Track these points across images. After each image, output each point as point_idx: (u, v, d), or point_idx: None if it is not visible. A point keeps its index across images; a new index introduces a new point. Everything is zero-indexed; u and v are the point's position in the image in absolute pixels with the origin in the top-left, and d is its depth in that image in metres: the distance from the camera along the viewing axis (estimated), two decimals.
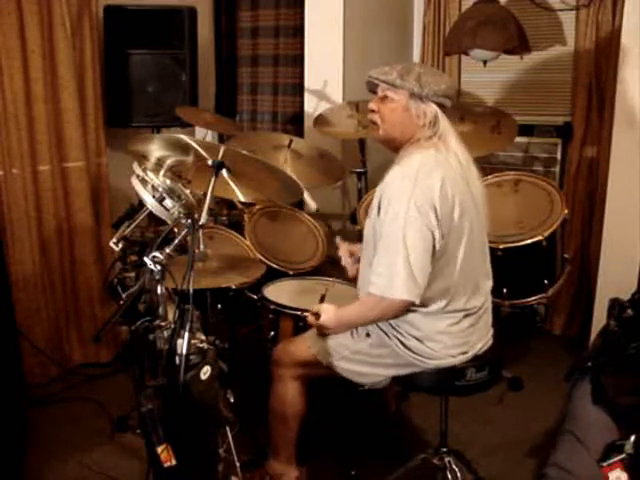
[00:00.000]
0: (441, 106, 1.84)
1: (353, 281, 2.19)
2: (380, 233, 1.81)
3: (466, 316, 1.89)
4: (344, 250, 2.26)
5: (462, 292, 1.87)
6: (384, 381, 2.00)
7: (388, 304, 1.79)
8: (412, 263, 1.73)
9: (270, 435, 2.19)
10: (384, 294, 1.77)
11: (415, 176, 1.76)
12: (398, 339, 1.89)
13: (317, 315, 2.00)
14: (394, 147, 1.92)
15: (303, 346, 2.07)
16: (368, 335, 1.97)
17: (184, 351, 1.53)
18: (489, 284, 2.00)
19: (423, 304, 1.84)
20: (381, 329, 1.93)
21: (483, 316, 1.95)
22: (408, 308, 1.82)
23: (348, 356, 1.99)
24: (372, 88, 1.93)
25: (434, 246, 1.77)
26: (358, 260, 2.17)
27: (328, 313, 1.97)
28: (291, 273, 2.80)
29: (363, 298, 1.91)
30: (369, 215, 1.92)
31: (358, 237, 3.09)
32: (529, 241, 2.59)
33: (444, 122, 1.85)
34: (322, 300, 2.26)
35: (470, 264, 1.87)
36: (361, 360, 1.98)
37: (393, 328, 1.90)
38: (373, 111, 1.91)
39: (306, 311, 2.23)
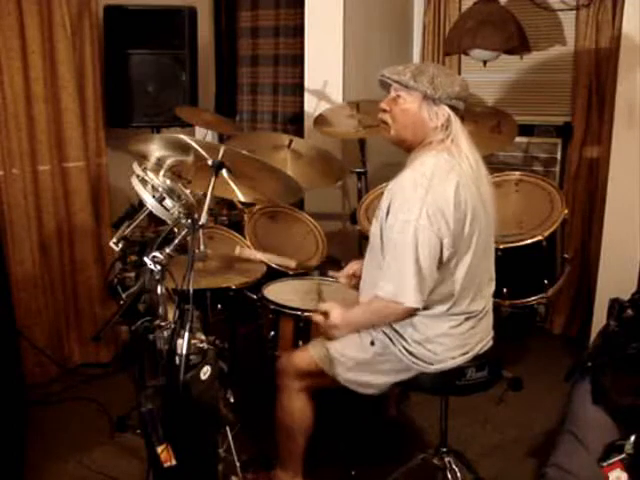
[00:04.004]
0: (454, 108, 1.83)
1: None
2: (388, 237, 1.80)
3: (467, 319, 1.89)
4: (345, 278, 2.25)
5: (466, 295, 1.87)
6: (385, 388, 2.00)
7: (394, 309, 1.79)
8: (422, 270, 1.73)
9: (278, 446, 2.17)
10: (393, 299, 1.77)
11: (429, 182, 1.74)
12: (402, 345, 1.89)
13: (325, 314, 1.99)
14: (405, 147, 1.90)
15: (306, 356, 2.05)
16: (372, 344, 1.95)
17: (184, 351, 1.52)
18: (492, 288, 2.00)
19: (427, 307, 1.84)
20: (387, 335, 1.92)
21: (484, 318, 1.95)
22: (411, 314, 1.82)
23: (352, 367, 1.97)
24: (385, 87, 1.91)
25: (442, 253, 1.76)
26: (356, 276, 2.18)
27: (336, 312, 1.97)
28: (291, 273, 2.80)
29: (369, 301, 1.90)
30: (376, 216, 1.91)
31: (358, 237, 3.10)
32: (529, 241, 2.59)
33: (456, 125, 1.84)
34: (319, 298, 2.26)
35: (476, 268, 1.86)
36: (364, 369, 1.97)
37: (397, 333, 1.89)
38: (385, 110, 1.88)
39: (306, 311, 2.24)
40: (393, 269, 1.77)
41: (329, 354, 2.00)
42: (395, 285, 1.76)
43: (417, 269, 1.72)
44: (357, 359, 1.97)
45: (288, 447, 2.14)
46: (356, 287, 2.14)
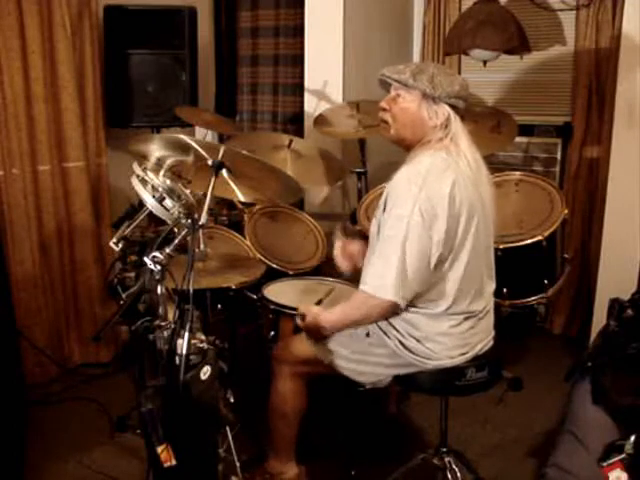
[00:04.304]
0: (454, 107, 1.83)
1: (353, 280, 2.19)
2: (382, 233, 1.80)
3: (467, 319, 1.88)
4: (339, 244, 2.23)
5: (465, 295, 1.86)
6: (384, 380, 2.00)
7: (375, 304, 1.78)
8: (407, 266, 1.73)
9: (270, 433, 2.20)
10: (373, 293, 1.77)
11: (423, 180, 1.74)
12: (398, 339, 1.89)
13: (304, 316, 2.01)
14: (405, 146, 1.90)
15: (304, 344, 2.07)
16: (368, 335, 1.97)
17: (184, 351, 1.53)
18: (492, 288, 1.99)
19: (425, 306, 1.84)
20: (381, 329, 1.92)
21: (484, 318, 1.94)
22: (392, 310, 1.81)
23: (347, 355, 1.99)
24: (385, 86, 1.92)
25: (432, 252, 1.75)
26: (351, 258, 2.17)
27: (312, 314, 1.98)
28: (291, 273, 2.80)
29: (351, 296, 1.90)
30: (375, 214, 1.91)
31: (358, 237, 3.10)
32: (529, 241, 2.59)
33: (456, 124, 1.84)
34: (319, 304, 2.25)
35: (474, 268, 1.86)
36: (360, 359, 1.98)
37: (393, 328, 1.90)
38: (385, 109, 1.89)
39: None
40: (378, 263, 1.77)
41: (326, 342, 2.01)
42: (377, 279, 1.76)
43: (401, 265, 1.72)
44: (353, 349, 1.98)
45: (281, 432, 2.16)
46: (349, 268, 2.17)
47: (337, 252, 2.24)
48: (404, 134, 1.87)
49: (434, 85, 1.79)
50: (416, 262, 1.74)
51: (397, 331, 1.89)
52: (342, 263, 2.22)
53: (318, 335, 2.01)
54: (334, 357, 2.00)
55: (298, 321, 2.04)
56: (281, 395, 2.11)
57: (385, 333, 1.92)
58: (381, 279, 1.75)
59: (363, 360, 1.97)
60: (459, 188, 1.77)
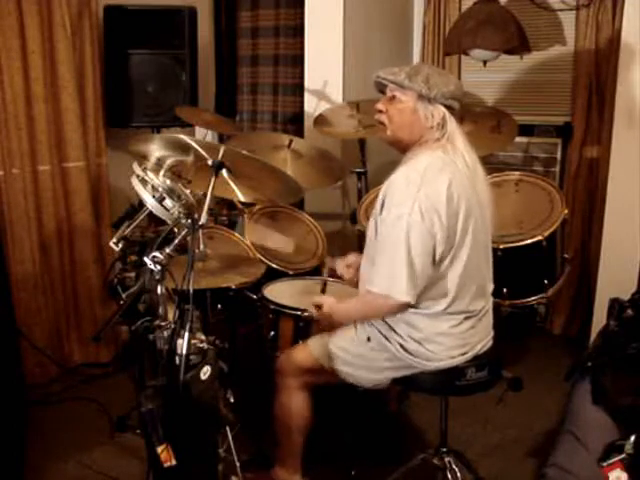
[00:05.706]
0: (449, 108, 1.84)
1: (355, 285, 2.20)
2: (381, 233, 1.81)
3: (467, 318, 1.89)
4: (341, 268, 2.24)
5: (465, 294, 1.87)
6: (385, 382, 2.00)
7: (385, 303, 1.79)
8: (413, 265, 1.73)
9: (277, 444, 2.19)
10: (384, 293, 1.78)
11: (421, 178, 1.75)
12: (399, 343, 1.89)
13: (319, 306, 2.02)
14: (401, 148, 1.91)
15: (305, 352, 2.07)
16: (369, 340, 1.97)
17: (184, 351, 1.53)
18: (491, 287, 2.00)
19: (425, 305, 1.84)
20: (382, 333, 1.92)
21: (483, 318, 1.95)
22: (404, 309, 1.82)
23: (349, 360, 1.99)
24: (380, 88, 1.93)
25: (435, 249, 1.77)
26: (357, 268, 2.18)
27: (329, 304, 2.00)
28: (291, 273, 2.80)
29: (362, 294, 1.93)
30: (372, 214, 1.92)
31: (358, 237, 3.10)
32: (529, 241, 2.59)
33: (452, 124, 1.85)
34: (323, 292, 2.26)
35: (474, 266, 1.87)
36: (361, 364, 1.98)
37: (394, 331, 1.90)
38: (381, 111, 1.90)
39: (306, 311, 2.24)
40: (385, 264, 1.78)
41: (328, 349, 2.02)
42: (387, 279, 1.77)
43: (409, 263, 1.73)
44: (355, 353, 1.98)
45: (287, 444, 2.16)
46: (354, 281, 2.15)
47: (346, 275, 2.23)
48: (401, 135, 1.88)
49: (430, 86, 1.80)
50: (422, 260, 1.75)
51: (398, 335, 1.89)
52: (348, 274, 2.21)
53: (332, 324, 2.03)
54: (335, 362, 2.00)
55: (312, 311, 2.05)
56: (286, 409, 2.11)
57: (386, 337, 1.92)
58: (391, 280, 1.76)
59: (364, 364, 1.98)
60: (456, 186, 1.78)
